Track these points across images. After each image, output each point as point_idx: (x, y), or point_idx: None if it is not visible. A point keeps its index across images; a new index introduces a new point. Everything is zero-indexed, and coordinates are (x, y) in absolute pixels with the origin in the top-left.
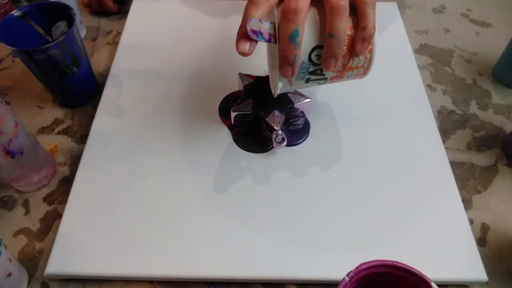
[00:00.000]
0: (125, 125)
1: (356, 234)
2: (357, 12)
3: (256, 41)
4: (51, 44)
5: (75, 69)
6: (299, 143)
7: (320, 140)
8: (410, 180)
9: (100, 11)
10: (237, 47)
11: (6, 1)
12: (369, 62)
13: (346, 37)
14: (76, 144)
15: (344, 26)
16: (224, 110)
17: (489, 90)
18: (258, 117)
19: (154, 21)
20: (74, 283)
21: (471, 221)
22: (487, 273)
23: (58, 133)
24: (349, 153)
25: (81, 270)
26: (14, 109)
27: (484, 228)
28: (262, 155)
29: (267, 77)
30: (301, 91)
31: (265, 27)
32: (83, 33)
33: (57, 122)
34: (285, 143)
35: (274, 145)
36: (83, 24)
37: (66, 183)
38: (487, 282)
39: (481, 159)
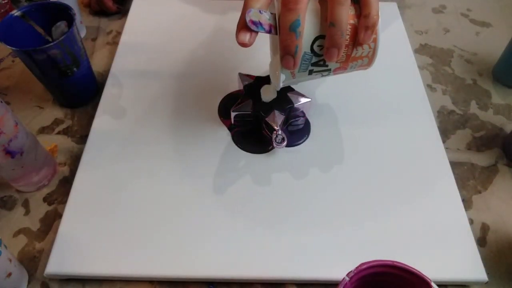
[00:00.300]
0: (125, 125)
1: (356, 234)
2: (359, 1)
3: (256, 32)
4: (51, 44)
5: (75, 69)
6: (300, 144)
7: (320, 140)
8: (410, 180)
9: (100, 11)
10: (237, 37)
11: (6, 1)
12: (374, 51)
13: (349, 26)
14: (76, 144)
15: (346, 15)
16: (223, 110)
17: (489, 90)
18: (258, 117)
19: (154, 21)
20: (74, 283)
21: (471, 221)
22: (487, 273)
23: (58, 133)
24: (349, 153)
25: (81, 270)
26: (14, 109)
27: (484, 228)
28: (262, 156)
29: (267, 77)
30: (301, 91)
31: (265, 18)
32: (83, 33)
33: (57, 122)
34: (285, 143)
35: (274, 145)
36: (83, 24)
37: (66, 183)
38: (487, 282)
39: (481, 159)
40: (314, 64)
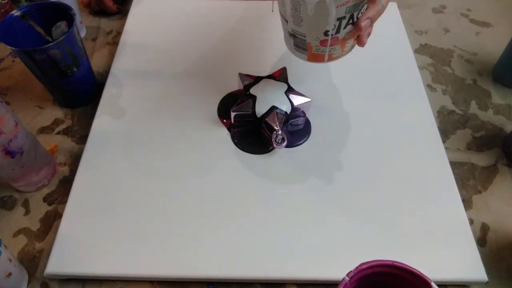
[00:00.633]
0: (125, 125)
1: (356, 234)
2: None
3: None
4: (51, 44)
5: (75, 69)
6: (300, 144)
7: (320, 140)
8: (410, 180)
9: (100, 11)
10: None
11: (6, 1)
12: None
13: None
14: (76, 144)
15: None
16: (223, 110)
17: (489, 90)
18: (258, 117)
19: (154, 21)
20: (74, 283)
21: (471, 221)
22: (487, 273)
23: (58, 133)
24: (349, 154)
25: (81, 270)
26: (14, 109)
27: (484, 228)
28: (262, 156)
29: (266, 77)
30: (301, 91)
31: None
32: (83, 33)
33: (57, 122)
34: (285, 143)
35: (274, 145)
36: (83, 24)
37: (66, 183)
38: (487, 282)
39: (481, 159)
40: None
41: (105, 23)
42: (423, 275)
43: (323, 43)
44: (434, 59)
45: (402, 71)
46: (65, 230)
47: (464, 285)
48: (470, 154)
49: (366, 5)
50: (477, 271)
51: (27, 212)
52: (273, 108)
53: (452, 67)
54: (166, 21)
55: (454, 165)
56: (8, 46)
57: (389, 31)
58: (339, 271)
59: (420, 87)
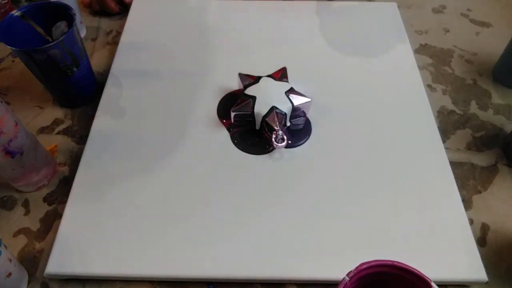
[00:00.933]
0: (125, 125)
1: (356, 234)
2: None
3: None
4: (51, 44)
5: (75, 69)
6: (300, 145)
7: (320, 141)
8: (410, 180)
9: (100, 11)
10: None
11: (6, 1)
12: None
13: None
14: (76, 144)
15: None
16: (222, 110)
17: (489, 90)
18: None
19: (154, 21)
20: (74, 283)
21: (471, 221)
22: (487, 273)
23: (58, 133)
24: (349, 154)
25: (81, 270)
26: (14, 109)
27: (484, 228)
28: (262, 156)
29: (266, 77)
30: (301, 91)
31: None
32: (83, 33)
33: (57, 122)
34: (285, 143)
35: (274, 145)
36: (83, 24)
37: (66, 183)
38: (487, 282)
39: (481, 159)
40: None
41: (105, 23)
42: (423, 275)
43: None
44: (434, 59)
45: (402, 71)
46: (65, 230)
47: (464, 285)
48: (470, 154)
49: None
50: (477, 271)
51: (27, 212)
52: (273, 108)
53: (452, 67)
54: (166, 21)
55: (454, 165)
56: (8, 46)
57: (389, 31)
58: (339, 271)
59: (420, 87)
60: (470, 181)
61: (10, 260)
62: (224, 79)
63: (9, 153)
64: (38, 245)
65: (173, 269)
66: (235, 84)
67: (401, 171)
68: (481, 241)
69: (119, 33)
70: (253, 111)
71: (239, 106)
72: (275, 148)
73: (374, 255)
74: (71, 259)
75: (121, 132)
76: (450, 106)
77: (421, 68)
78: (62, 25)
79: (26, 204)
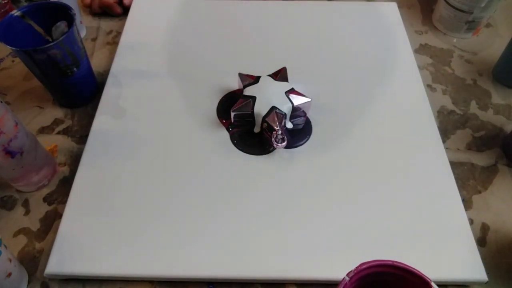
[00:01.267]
0: (125, 125)
1: (356, 234)
2: None
3: None
4: (51, 44)
5: (75, 69)
6: (301, 145)
7: (320, 141)
8: (410, 180)
9: (101, 13)
10: None
11: (6, 1)
12: None
13: None
14: (76, 144)
15: None
16: (222, 110)
17: (489, 90)
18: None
19: (154, 21)
20: (74, 283)
21: (471, 221)
22: (487, 273)
23: (58, 133)
24: (349, 154)
25: (81, 270)
26: (14, 109)
27: (484, 228)
28: (262, 157)
29: (266, 77)
30: (301, 91)
31: None
32: (83, 33)
33: (57, 122)
34: (285, 143)
35: (274, 145)
36: (83, 24)
37: (66, 183)
38: (487, 282)
39: (481, 159)
40: None
41: (105, 23)
42: (423, 275)
43: None
44: (434, 59)
45: (402, 71)
46: (65, 230)
47: (464, 285)
48: (470, 154)
49: None
50: (477, 271)
51: (27, 212)
52: (273, 108)
53: (452, 67)
54: (166, 21)
55: (454, 165)
56: (8, 46)
57: (389, 31)
58: (339, 271)
59: (420, 87)
60: (470, 181)
61: (10, 260)
62: (224, 79)
63: (9, 153)
64: (38, 245)
65: (173, 269)
66: (235, 84)
67: (401, 171)
68: (481, 241)
69: (119, 33)
70: (253, 111)
71: (239, 106)
72: (275, 149)
73: (374, 255)
74: (71, 259)
75: (121, 132)
76: (450, 106)
77: (421, 68)
78: (62, 25)
79: (26, 204)
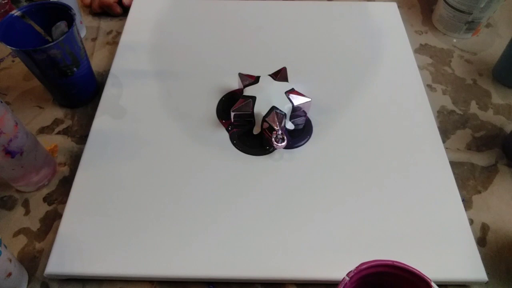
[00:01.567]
0: (125, 125)
1: (356, 234)
2: None
3: None
4: (51, 44)
5: (75, 69)
6: (301, 145)
7: (320, 141)
8: (410, 180)
9: (101, 13)
10: None
11: (6, 1)
12: None
13: None
14: (76, 144)
15: None
16: (222, 110)
17: (489, 90)
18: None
19: (154, 21)
20: (74, 283)
21: (471, 221)
22: (487, 273)
23: (58, 133)
24: (349, 154)
25: (81, 270)
26: (14, 109)
27: (484, 228)
28: (262, 157)
29: (266, 77)
30: (301, 91)
31: None
32: (83, 33)
33: (57, 122)
34: (285, 143)
35: (274, 145)
36: (83, 24)
37: (66, 183)
38: (487, 282)
39: (481, 159)
40: None
41: (105, 23)
42: (423, 275)
43: None
44: (434, 59)
45: (402, 71)
46: (65, 230)
47: (464, 285)
48: (470, 154)
49: None
50: (477, 271)
51: (27, 212)
52: (273, 108)
53: (452, 67)
54: (166, 21)
55: (454, 165)
56: (8, 46)
57: (389, 31)
58: (339, 271)
59: (420, 87)
60: (470, 181)
61: (10, 260)
62: (224, 79)
63: (9, 153)
64: (38, 245)
65: (173, 269)
66: (235, 84)
67: (401, 171)
68: (481, 241)
69: (119, 33)
70: (253, 111)
71: (239, 106)
72: (275, 149)
73: (374, 255)
74: (71, 259)
75: (121, 132)
76: (450, 106)
77: (421, 68)
78: (62, 25)
79: (26, 204)
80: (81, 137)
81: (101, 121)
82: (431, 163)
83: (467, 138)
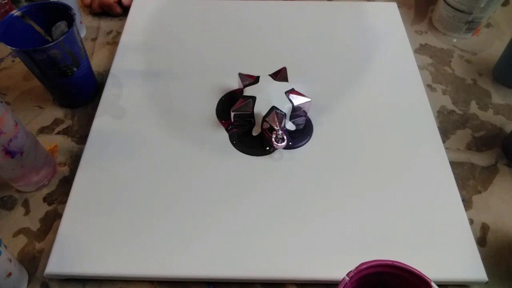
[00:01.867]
0: (125, 125)
1: (356, 234)
2: None
3: None
4: (51, 44)
5: (75, 69)
6: (301, 145)
7: (320, 141)
8: (410, 180)
9: (101, 13)
10: None
11: (6, 1)
12: None
13: None
14: (76, 144)
15: None
16: (221, 110)
17: (489, 90)
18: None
19: (154, 21)
20: (74, 283)
21: (471, 221)
22: (487, 273)
23: (58, 133)
24: (349, 154)
25: (81, 270)
26: (14, 109)
27: (484, 228)
28: (262, 157)
29: (266, 77)
30: (301, 91)
31: None
32: (83, 33)
33: (57, 122)
34: (285, 143)
35: (274, 145)
36: (83, 24)
37: (66, 183)
38: (487, 282)
39: (481, 159)
40: None
41: (105, 23)
42: (423, 275)
43: None
44: (434, 59)
45: (402, 71)
46: (65, 230)
47: (464, 285)
48: (470, 154)
49: None
50: (477, 271)
51: (27, 212)
52: (273, 108)
53: (452, 67)
54: (166, 21)
55: (454, 165)
56: (8, 46)
57: (389, 31)
58: (339, 271)
59: (420, 87)
60: (470, 181)
61: (10, 260)
62: (224, 79)
63: (9, 153)
64: (38, 245)
65: (173, 269)
66: (235, 84)
67: (401, 171)
68: (481, 241)
69: (119, 33)
70: (253, 111)
71: (239, 106)
72: (275, 149)
73: (374, 255)
74: (71, 259)
75: (121, 132)
76: (450, 106)
77: (421, 68)
78: (62, 25)
79: (26, 204)
80: (81, 137)
81: (101, 121)
82: (431, 163)
83: (467, 138)
